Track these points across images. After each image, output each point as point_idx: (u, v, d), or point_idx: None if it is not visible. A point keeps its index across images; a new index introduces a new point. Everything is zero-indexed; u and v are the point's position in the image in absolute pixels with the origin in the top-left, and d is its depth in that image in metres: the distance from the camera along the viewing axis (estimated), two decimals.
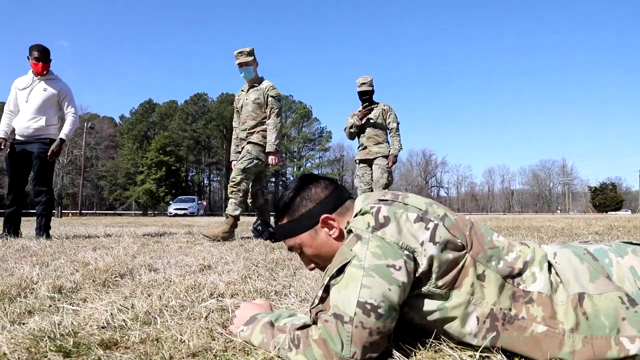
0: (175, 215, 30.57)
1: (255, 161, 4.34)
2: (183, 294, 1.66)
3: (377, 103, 5.28)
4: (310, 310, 1.03)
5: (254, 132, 4.45)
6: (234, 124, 4.75)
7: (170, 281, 1.92)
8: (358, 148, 5.38)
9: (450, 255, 0.98)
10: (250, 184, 4.44)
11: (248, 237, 4.47)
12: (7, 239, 4.02)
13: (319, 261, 1.18)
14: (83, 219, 17.76)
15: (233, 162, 4.62)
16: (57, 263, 2.45)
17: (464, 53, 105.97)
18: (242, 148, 4.50)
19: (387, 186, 5.07)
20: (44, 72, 4.35)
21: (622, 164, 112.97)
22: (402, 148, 5.19)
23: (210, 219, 17.34)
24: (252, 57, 4.47)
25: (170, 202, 38.89)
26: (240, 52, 4.44)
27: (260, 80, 4.57)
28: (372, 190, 5.05)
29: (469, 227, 1.04)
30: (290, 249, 1.20)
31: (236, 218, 4.28)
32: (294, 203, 1.16)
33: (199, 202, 36.27)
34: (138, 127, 59.40)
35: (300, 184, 1.18)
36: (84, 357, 1.01)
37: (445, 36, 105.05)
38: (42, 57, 4.29)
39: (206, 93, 65.04)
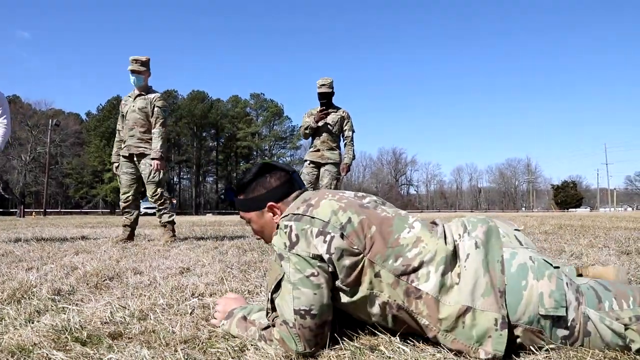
0: (145, 214, 30.16)
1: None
2: (168, 294, 1.93)
3: (338, 108, 5.18)
4: (267, 318, 1.31)
5: (145, 140, 4.71)
6: (118, 127, 4.94)
7: (156, 283, 2.19)
8: (310, 148, 5.36)
9: (347, 261, 1.19)
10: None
11: (222, 241, 4.74)
12: None
13: (262, 236, 1.50)
14: (49, 219, 17.41)
15: (114, 165, 4.89)
16: (47, 268, 2.66)
17: (434, 54, 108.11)
18: (129, 154, 4.73)
19: None
20: None
21: (582, 163, 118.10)
22: (355, 157, 5.26)
23: (181, 218, 17.32)
24: (145, 68, 4.71)
25: (140, 200, 38.27)
26: (135, 60, 4.66)
27: (148, 90, 4.81)
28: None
29: (374, 228, 1.22)
30: (242, 218, 1.50)
31: (173, 222, 4.87)
32: (250, 186, 1.43)
33: None
34: (105, 124, 57.93)
35: (258, 171, 1.44)
36: (98, 346, 1.28)
37: (416, 37, 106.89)
38: None
39: (176, 90, 64.20)
